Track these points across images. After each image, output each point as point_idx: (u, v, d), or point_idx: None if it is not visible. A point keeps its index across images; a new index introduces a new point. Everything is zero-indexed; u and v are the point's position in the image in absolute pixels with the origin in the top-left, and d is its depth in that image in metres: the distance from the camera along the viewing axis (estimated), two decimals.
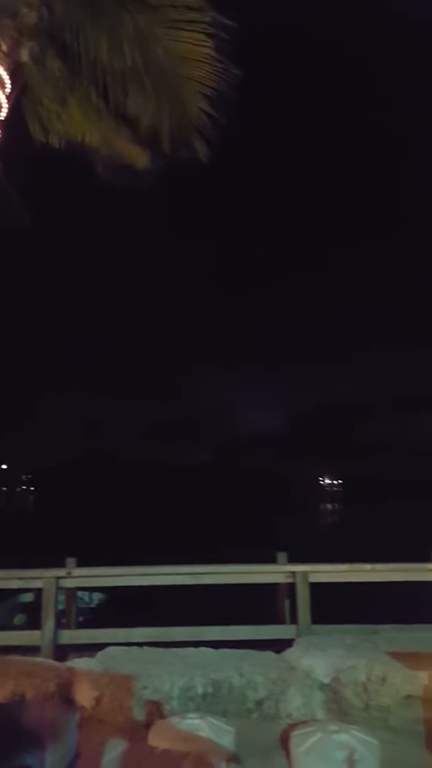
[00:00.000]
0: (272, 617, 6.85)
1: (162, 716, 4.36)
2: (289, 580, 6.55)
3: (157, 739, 4.06)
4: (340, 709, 4.58)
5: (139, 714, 4.51)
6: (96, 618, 10.66)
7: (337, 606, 7.20)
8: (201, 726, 4.09)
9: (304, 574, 6.50)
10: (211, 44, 5.06)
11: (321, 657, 4.91)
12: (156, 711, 4.47)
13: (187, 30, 5.06)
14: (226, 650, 5.47)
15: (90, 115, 5.51)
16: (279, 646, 5.63)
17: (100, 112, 5.45)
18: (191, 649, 5.46)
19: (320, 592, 6.63)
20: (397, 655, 4.81)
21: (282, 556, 7.15)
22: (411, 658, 4.72)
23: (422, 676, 4.49)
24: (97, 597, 12.51)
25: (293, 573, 6.54)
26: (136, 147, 5.64)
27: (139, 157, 5.67)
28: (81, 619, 8.65)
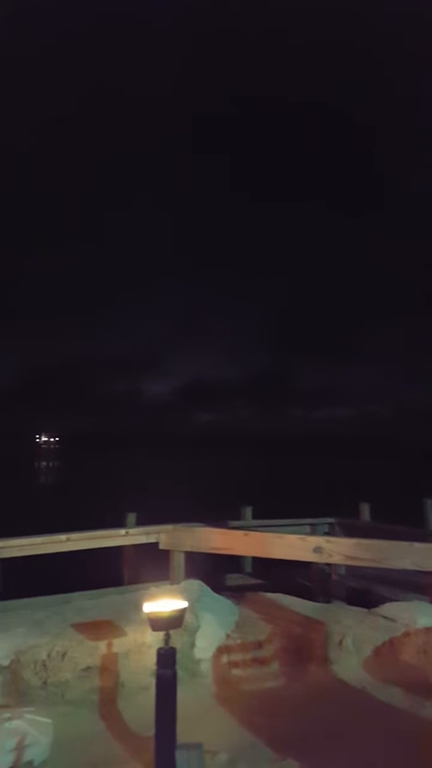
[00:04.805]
0: None
1: None
2: None
3: None
4: (18, 691, 4.46)
5: None
6: None
7: (31, 577, 7.06)
8: None
9: None
10: None
11: (2, 639, 4.71)
12: None
13: None
14: None
15: None
16: None
17: None
18: None
19: (15, 564, 6.40)
20: (81, 627, 4.86)
21: None
22: (94, 629, 4.82)
23: (101, 646, 4.61)
24: None
25: None
26: None
27: None
28: None
